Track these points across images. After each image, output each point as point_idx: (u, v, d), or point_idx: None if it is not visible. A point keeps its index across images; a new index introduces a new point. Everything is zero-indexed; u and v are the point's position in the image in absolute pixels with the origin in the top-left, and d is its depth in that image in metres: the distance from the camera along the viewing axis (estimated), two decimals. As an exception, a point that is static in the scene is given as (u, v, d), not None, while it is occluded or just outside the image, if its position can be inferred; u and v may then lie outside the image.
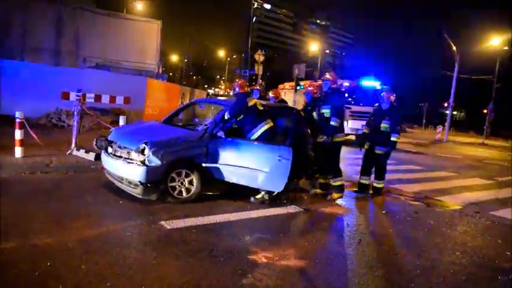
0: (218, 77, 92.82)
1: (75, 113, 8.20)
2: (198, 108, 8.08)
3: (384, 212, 6.16)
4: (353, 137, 17.74)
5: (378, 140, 6.88)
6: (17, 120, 7.21)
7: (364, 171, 7.15)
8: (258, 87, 8.89)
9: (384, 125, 6.81)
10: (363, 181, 7.15)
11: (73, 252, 3.63)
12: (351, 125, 16.45)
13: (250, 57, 21.09)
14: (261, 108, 6.21)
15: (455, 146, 23.05)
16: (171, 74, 54.71)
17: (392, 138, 6.72)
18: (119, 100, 12.04)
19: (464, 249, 4.72)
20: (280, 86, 23.24)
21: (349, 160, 10.78)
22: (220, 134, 5.77)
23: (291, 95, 19.75)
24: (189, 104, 7.81)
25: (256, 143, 5.79)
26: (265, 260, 3.85)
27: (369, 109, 14.19)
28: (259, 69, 20.96)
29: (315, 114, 6.87)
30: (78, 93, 8.27)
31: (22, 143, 7.23)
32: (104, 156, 5.98)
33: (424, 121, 50.81)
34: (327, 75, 6.89)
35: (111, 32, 21.55)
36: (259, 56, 21.22)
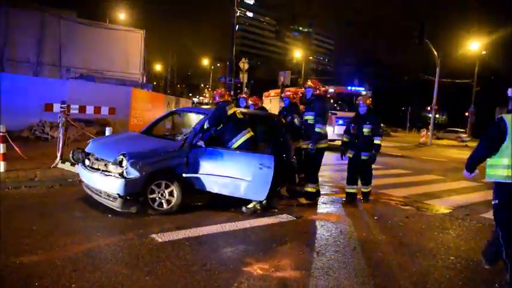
0: (202, 85, 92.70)
1: (60, 124, 8.03)
2: (178, 117, 7.97)
3: (375, 218, 6.15)
4: (339, 143, 17.88)
5: (362, 146, 6.84)
6: (-1, 134, 7.02)
7: (350, 180, 7.03)
8: (244, 96, 8.90)
9: (366, 130, 6.78)
10: (349, 190, 7.02)
11: (62, 270, 3.50)
12: (337, 131, 16.56)
13: (235, 66, 21.05)
14: (240, 116, 6.16)
15: (440, 148, 23.40)
16: (155, 83, 54.41)
17: (376, 141, 6.77)
18: (104, 111, 11.93)
19: (458, 253, 4.73)
20: (265, 94, 23.29)
21: (337, 166, 10.81)
22: (200, 143, 5.67)
23: (276, 103, 19.80)
24: (169, 113, 7.68)
25: (237, 151, 5.72)
26: (261, 272, 3.78)
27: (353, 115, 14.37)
28: (244, 78, 20.94)
29: (296, 120, 6.87)
30: (62, 105, 8.10)
31: (5, 157, 7.03)
32: (81, 169, 5.81)
33: (408, 125, 51.55)
34: (309, 82, 6.91)
35: (94, 42, 21.29)
36: (244, 64, 21.22)
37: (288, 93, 7.59)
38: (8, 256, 3.69)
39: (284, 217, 5.77)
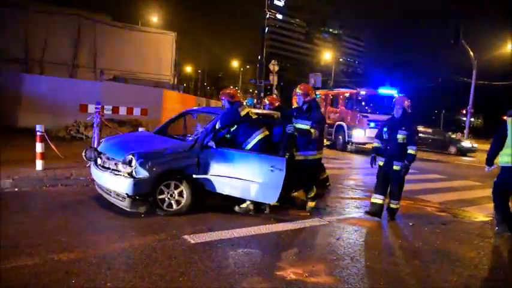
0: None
1: (95, 125, 8.20)
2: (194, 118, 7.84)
3: (410, 224, 5.95)
4: (370, 146, 17.56)
5: (394, 154, 5.88)
6: (38, 133, 7.24)
7: (378, 189, 6.10)
8: (269, 99, 8.47)
9: (400, 136, 5.82)
10: (375, 200, 6.07)
11: (98, 268, 3.54)
12: (368, 134, 16.28)
13: (265, 68, 21.04)
14: (254, 117, 6.04)
15: (476, 153, 22.54)
16: (184, 84, 55.16)
17: (410, 151, 5.77)
18: (136, 111, 12.09)
19: (502, 265, 4.50)
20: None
21: (369, 170, 10.58)
22: (211, 144, 5.57)
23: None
24: (182, 113, 7.53)
25: (248, 152, 5.62)
26: (294, 277, 3.70)
27: (386, 118, 14.03)
28: (274, 80, 20.89)
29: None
30: (97, 106, 8.29)
31: (43, 156, 7.24)
32: (93, 167, 5.85)
33: (441, 128, 50.10)
34: (297, 89, 6.11)
35: (127, 44, 21.81)
36: (274, 66, 21.19)
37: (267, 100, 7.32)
38: (48, 253, 3.78)
39: (316, 221, 5.68)
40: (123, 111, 11.82)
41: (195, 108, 7.81)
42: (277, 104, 7.84)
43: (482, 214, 6.91)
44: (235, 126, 5.88)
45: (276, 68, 20.70)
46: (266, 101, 8.04)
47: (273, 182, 5.32)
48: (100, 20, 21.49)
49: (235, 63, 72.26)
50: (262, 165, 5.39)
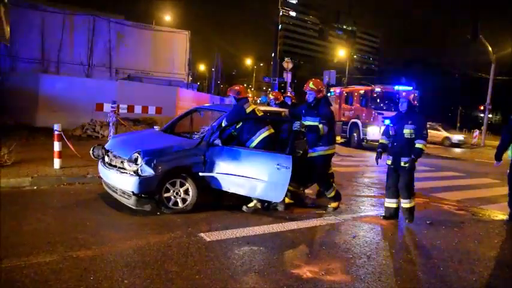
0: (245, 85, 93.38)
1: (111, 123, 8.30)
2: (202, 115, 7.80)
3: (428, 222, 5.86)
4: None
5: (403, 150, 5.56)
6: (56, 132, 7.34)
7: (389, 192, 5.83)
8: (289, 95, 8.63)
9: (407, 130, 5.53)
10: (389, 205, 5.84)
11: (115, 265, 3.58)
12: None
13: (279, 65, 20.97)
14: (260, 114, 5.98)
15: (493, 151, 22.12)
16: (198, 83, 55.40)
17: (418, 145, 5.45)
18: (151, 110, 12.20)
19: (522, 263, 4.41)
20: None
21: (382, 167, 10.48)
22: (217, 142, 5.54)
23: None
24: (190, 111, 7.48)
25: (254, 151, 5.56)
26: (311, 275, 3.68)
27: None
28: (288, 77, 20.81)
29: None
30: (113, 105, 8.38)
31: (60, 154, 7.34)
32: (100, 165, 5.87)
33: (458, 125, 49.34)
34: (310, 84, 5.94)
35: (141, 44, 21.96)
36: (288, 64, 21.10)
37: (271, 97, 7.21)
38: (66, 250, 3.83)
39: (332, 219, 5.64)
40: (138, 109, 11.93)
41: (202, 105, 7.76)
42: (281, 99, 7.89)
43: (502, 213, 6.77)
44: (241, 123, 5.82)
45: (290, 66, 20.61)
46: (271, 96, 7.99)
47: (279, 180, 5.23)
48: (114, 19, 21.69)
49: (248, 61, 72.27)
50: (269, 164, 5.30)
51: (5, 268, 3.37)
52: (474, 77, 35.50)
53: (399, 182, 5.67)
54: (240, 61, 76.11)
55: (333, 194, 6.13)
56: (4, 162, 7.10)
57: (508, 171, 6.37)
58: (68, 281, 3.22)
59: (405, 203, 5.68)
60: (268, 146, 5.67)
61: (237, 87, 6.10)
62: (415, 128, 5.50)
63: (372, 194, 7.62)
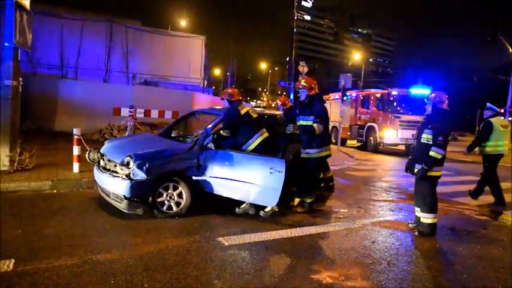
0: (260, 89, 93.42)
1: (128, 128, 8.37)
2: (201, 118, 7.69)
3: (449, 227, 5.74)
4: (403, 147, 17.18)
5: (418, 156, 5.31)
6: (75, 136, 7.44)
7: (415, 200, 5.56)
8: (281, 100, 8.30)
9: (424, 135, 5.16)
10: (416, 213, 5.54)
11: (135, 269, 3.60)
12: (400, 135, 15.94)
13: (294, 69, 20.91)
14: (255, 116, 5.90)
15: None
16: (214, 87, 55.72)
17: (430, 153, 5.00)
18: (167, 114, 12.34)
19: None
20: (325, 97, 22.90)
21: (401, 171, 10.33)
22: (211, 145, 5.49)
23: (336, 106, 19.43)
24: (188, 115, 7.41)
25: (247, 154, 5.49)
26: (331, 280, 3.64)
27: (419, 118, 13.65)
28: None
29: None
30: (131, 109, 8.47)
31: (79, 158, 7.45)
32: (95, 169, 5.86)
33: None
34: (302, 82, 5.91)
35: (157, 49, 22.19)
36: (303, 68, 21.01)
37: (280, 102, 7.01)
38: (86, 253, 3.87)
39: (349, 224, 5.58)
40: (155, 114, 12.08)
41: (199, 108, 7.69)
42: (289, 105, 7.42)
43: (525, 218, 6.58)
44: (236, 127, 5.75)
45: (306, 69, 20.52)
46: (278, 101, 7.72)
47: (272, 184, 5.14)
48: (131, 25, 21.97)
49: (263, 65, 72.40)
50: (262, 168, 5.23)
51: (28, 270, 3.42)
52: (496, 79, 34.79)
53: (416, 191, 5.44)
54: (255, 65, 76.46)
55: (309, 200, 5.94)
56: (26, 166, 7.24)
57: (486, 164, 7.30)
58: (88, 284, 3.25)
59: (425, 218, 5.24)
60: (263, 150, 5.60)
61: (229, 90, 6.08)
62: (433, 134, 5.07)
63: (391, 199, 7.51)
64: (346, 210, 6.33)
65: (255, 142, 5.66)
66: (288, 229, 5.09)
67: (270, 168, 5.15)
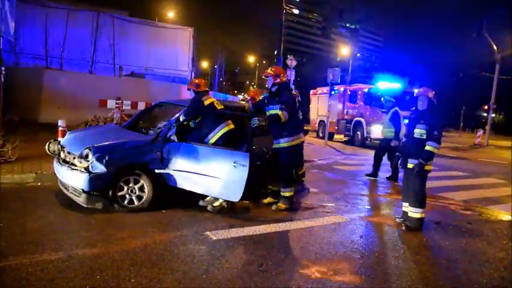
0: (247, 82, 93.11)
1: (115, 120, 8.25)
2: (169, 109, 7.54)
3: (435, 222, 5.80)
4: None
5: (409, 150, 5.31)
6: (60, 128, 7.29)
7: (402, 195, 5.62)
8: (250, 94, 8.16)
9: (417, 130, 5.21)
10: (404, 208, 5.55)
11: (121, 264, 3.54)
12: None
13: (282, 63, 20.87)
14: (219, 107, 5.75)
15: (497, 150, 22.03)
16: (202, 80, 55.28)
17: (427, 147, 5.07)
18: (155, 107, 12.21)
19: (532, 265, 4.34)
20: (313, 91, 22.97)
21: (388, 166, 10.37)
22: (174, 137, 5.36)
23: (324, 101, 19.45)
24: (154, 105, 7.19)
25: (210, 147, 5.38)
26: (319, 275, 3.64)
27: (406, 113, 13.72)
28: (291, 75, 20.70)
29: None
30: (117, 101, 8.33)
31: (64, 150, 7.29)
32: (54, 162, 5.67)
33: (461, 124, 49.22)
34: (269, 70, 5.77)
35: (145, 40, 21.91)
36: (291, 61, 20.97)
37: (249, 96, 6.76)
38: (71, 248, 3.80)
39: (337, 218, 5.59)
40: (141, 106, 11.96)
41: (166, 100, 7.49)
42: (258, 99, 6.85)
43: (509, 213, 6.70)
44: (199, 118, 5.63)
45: (294, 63, 20.49)
46: (247, 96, 7.56)
47: (236, 178, 5.01)
48: (118, 15, 21.62)
49: (251, 59, 72.13)
50: (225, 161, 5.09)
51: (10, 266, 3.33)
52: (478, 75, 35.30)
53: (409, 186, 5.40)
54: (243, 58, 75.91)
55: (288, 194, 5.73)
56: (8, 158, 7.07)
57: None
58: (74, 279, 3.19)
59: (413, 212, 5.29)
60: (229, 142, 5.49)
61: (196, 80, 5.93)
62: (427, 129, 5.13)
63: (378, 193, 7.56)
64: (334, 205, 6.34)
65: (217, 134, 5.52)
66: (276, 223, 5.07)
67: (234, 162, 5.01)
